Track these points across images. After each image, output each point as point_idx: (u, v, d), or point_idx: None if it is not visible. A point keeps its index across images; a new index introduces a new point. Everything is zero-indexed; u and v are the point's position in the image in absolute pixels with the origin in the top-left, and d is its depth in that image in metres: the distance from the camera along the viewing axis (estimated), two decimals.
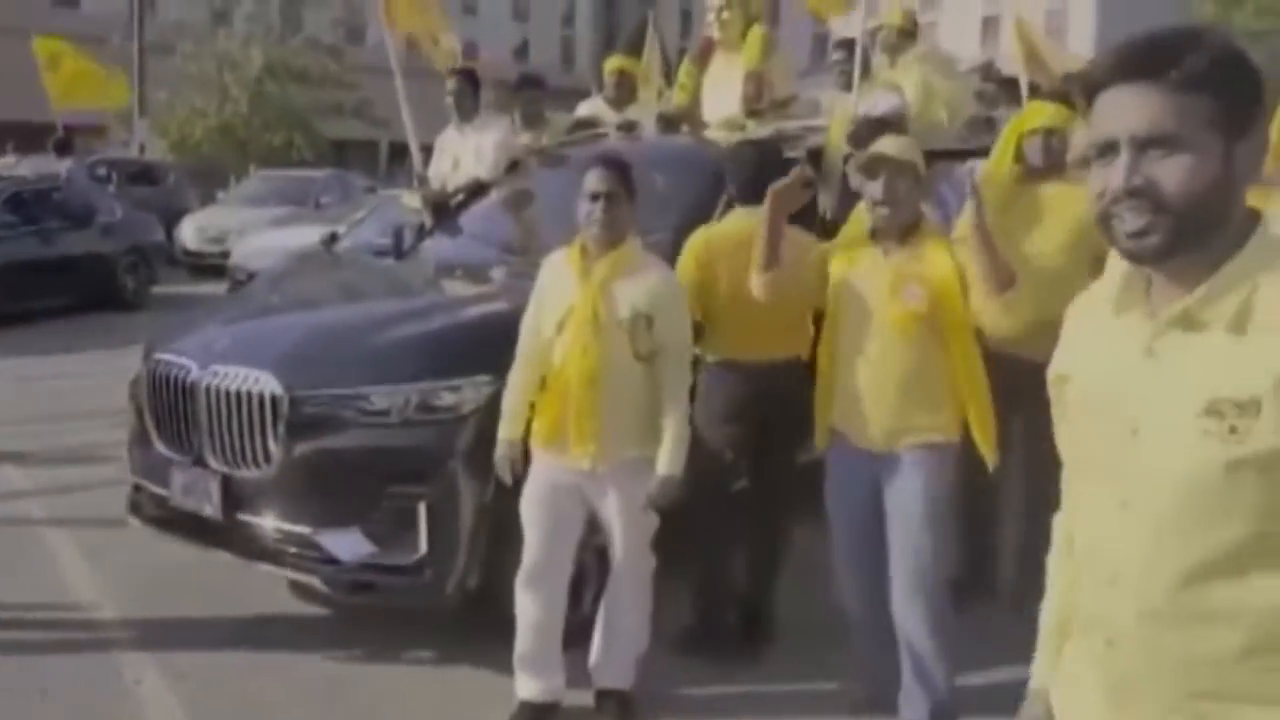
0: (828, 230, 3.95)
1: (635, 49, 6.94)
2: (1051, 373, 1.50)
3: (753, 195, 3.54)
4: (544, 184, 5.19)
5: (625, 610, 3.30)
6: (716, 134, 4.96)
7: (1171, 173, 1.23)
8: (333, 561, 3.53)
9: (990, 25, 54.59)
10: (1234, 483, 1.22)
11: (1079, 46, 39.41)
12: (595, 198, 3.07)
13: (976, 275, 2.93)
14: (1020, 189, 3.73)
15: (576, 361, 3.04)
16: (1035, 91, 4.90)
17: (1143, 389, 1.30)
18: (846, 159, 3.78)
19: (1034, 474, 3.85)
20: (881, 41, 5.26)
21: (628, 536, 3.19)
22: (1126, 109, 1.25)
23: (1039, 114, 3.76)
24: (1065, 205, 3.67)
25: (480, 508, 3.50)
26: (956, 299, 2.98)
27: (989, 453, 3.07)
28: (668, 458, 3.10)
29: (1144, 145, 1.24)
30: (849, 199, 3.91)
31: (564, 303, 3.11)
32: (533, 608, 3.23)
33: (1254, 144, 1.27)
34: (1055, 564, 1.60)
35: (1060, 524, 1.61)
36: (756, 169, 3.64)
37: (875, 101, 4.79)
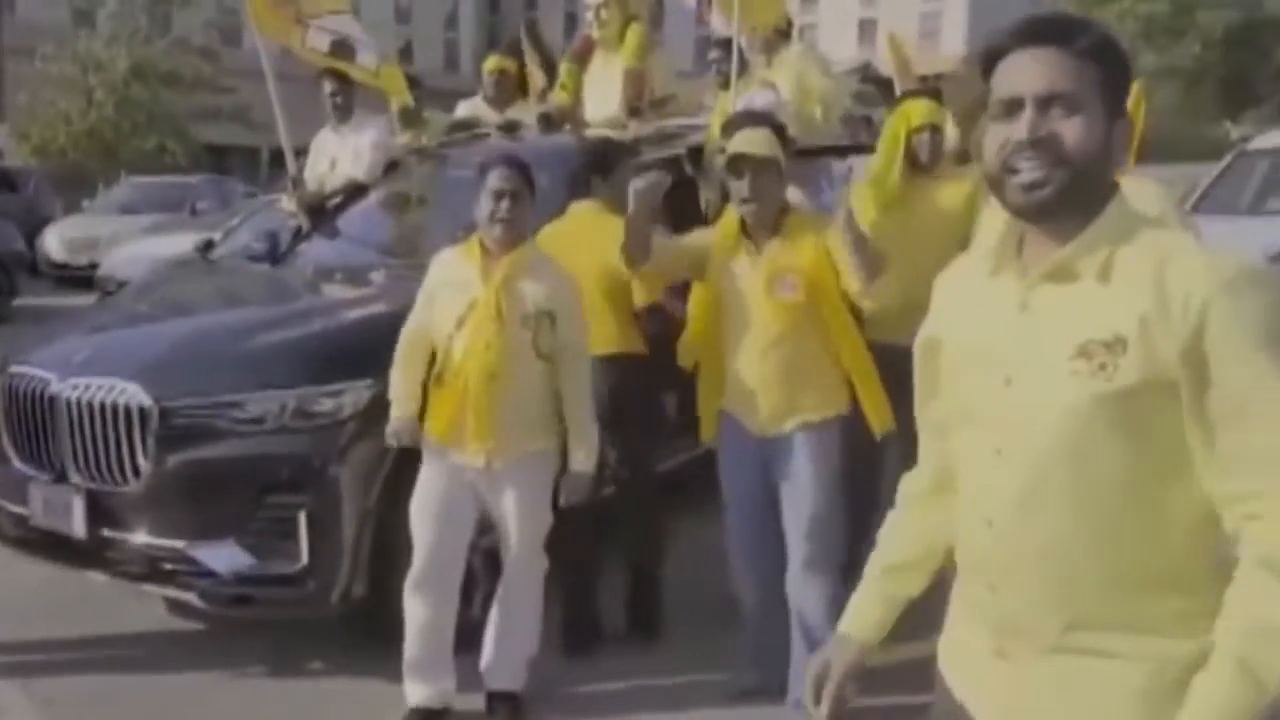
0: (711, 226, 3.99)
1: (516, 50, 6.90)
2: (920, 340, 1.58)
3: (586, 191, 3.67)
4: (424, 184, 5.13)
5: (518, 611, 3.28)
6: (596, 132, 4.95)
7: (1071, 129, 1.33)
8: (209, 575, 3.41)
9: (867, 27, 56.00)
10: (1102, 420, 1.30)
11: (951, 46, 40.78)
12: (500, 196, 3.07)
13: (849, 269, 3.01)
14: (911, 185, 3.84)
15: (478, 357, 3.04)
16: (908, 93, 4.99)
17: (1016, 340, 1.38)
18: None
19: (914, 459, 3.97)
20: (757, 40, 5.32)
21: (523, 534, 3.18)
22: (1031, 70, 1.34)
23: (922, 111, 3.86)
24: (946, 199, 3.82)
25: (364, 513, 3.43)
26: (831, 284, 3.08)
27: (880, 421, 3.15)
28: (581, 453, 3.15)
29: (1047, 102, 1.33)
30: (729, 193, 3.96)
31: (464, 299, 3.09)
32: (423, 611, 3.18)
33: (1126, 123, 1.38)
34: (891, 520, 1.71)
35: (905, 482, 1.71)
36: (591, 166, 3.71)
37: (752, 99, 4.85)
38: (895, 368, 3.38)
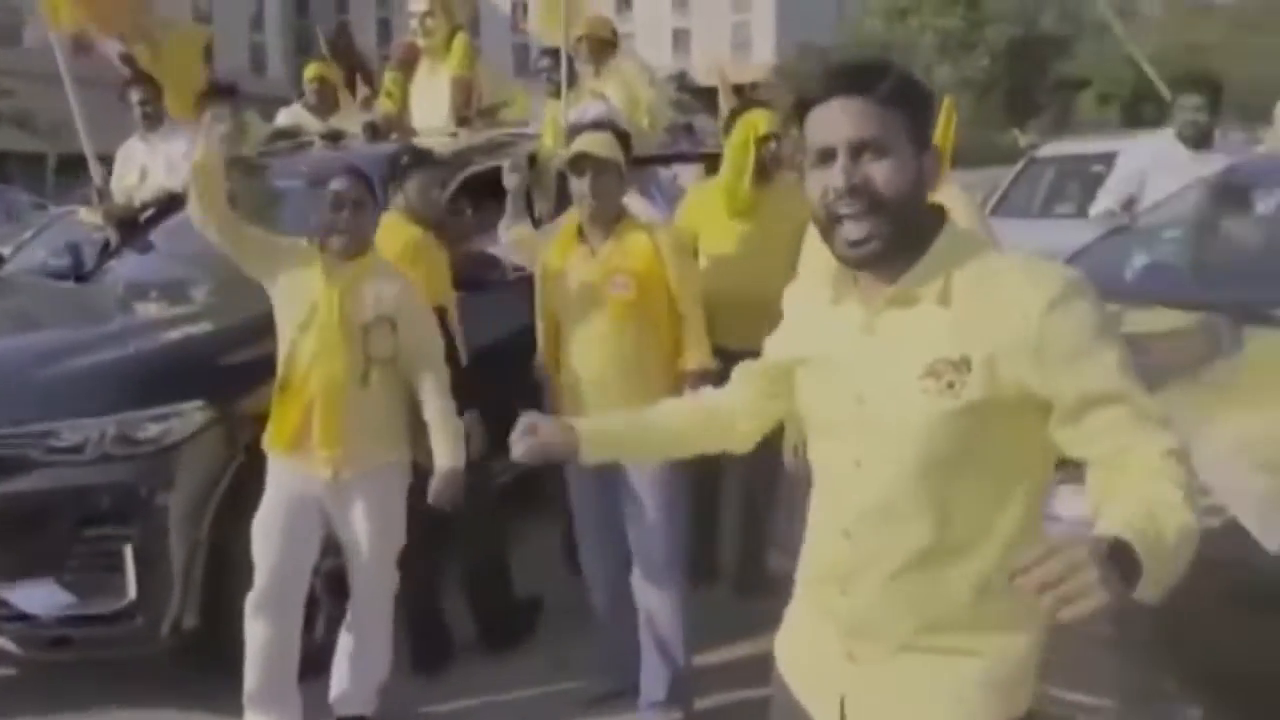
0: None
1: (336, 54, 6.74)
2: (784, 359, 1.66)
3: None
4: (247, 194, 4.93)
5: (370, 633, 3.20)
6: (427, 141, 4.88)
7: (882, 172, 1.42)
8: (24, 618, 3.19)
9: (681, 37, 57.22)
10: (952, 434, 1.40)
11: (761, 55, 42.10)
12: (340, 206, 3.05)
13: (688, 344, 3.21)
14: (758, 193, 3.92)
15: (323, 364, 2.98)
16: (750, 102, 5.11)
17: (864, 361, 1.47)
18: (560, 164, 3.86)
19: (751, 459, 4.09)
20: (585, 51, 5.38)
21: (374, 551, 3.10)
22: (840, 120, 1.43)
23: (765, 122, 3.95)
24: (799, 203, 3.89)
25: (195, 543, 3.27)
26: (663, 285, 3.16)
27: None
28: (448, 451, 3.08)
29: (858, 149, 1.42)
30: (564, 203, 3.99)
31: (305, 305, 3.03)
32: (265, 635, 3.06)
33: (933, 155, 1.48)
34: (677, 404, 1.88)
35: (714, 397, 1.83)
36: (389, 174, 3.68)
37: (584, 109, 4.90)
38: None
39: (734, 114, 4.11)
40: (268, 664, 3.08)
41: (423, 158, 3.71)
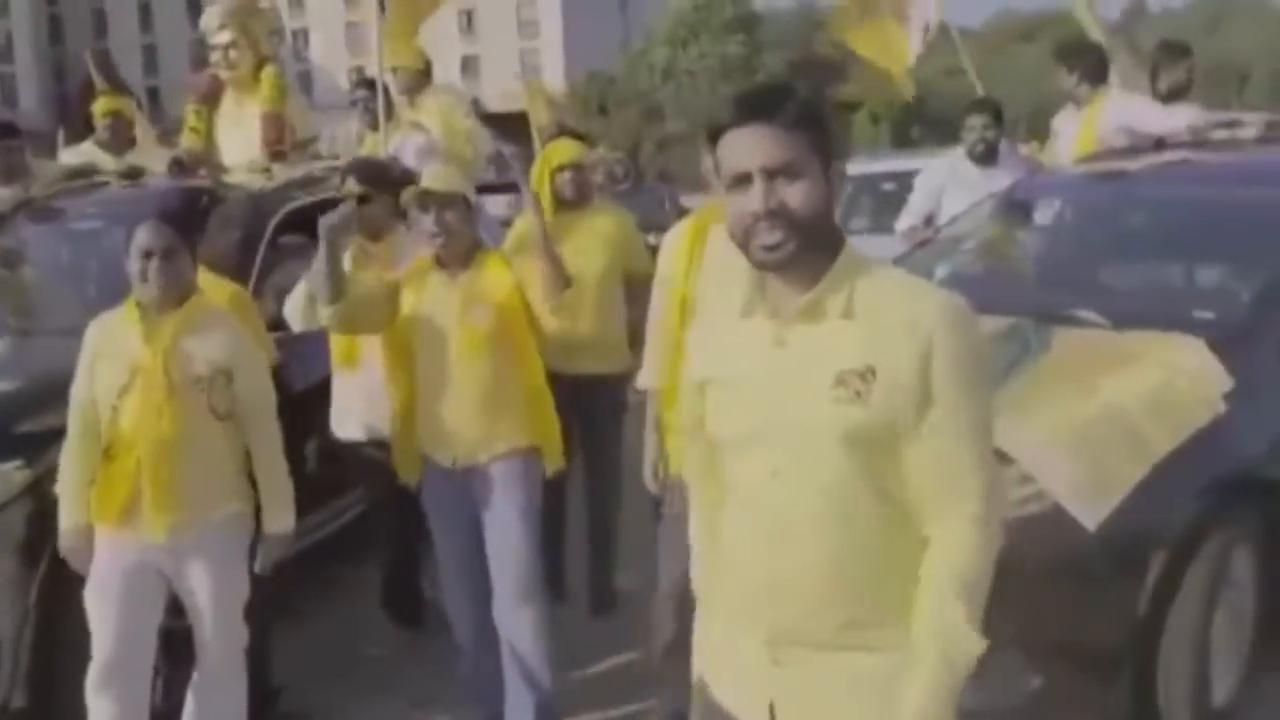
0: None
1: (114, 87, 6.39)
2: (691, 382, 1.72)
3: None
4: (37, 241, 4.61)
5: (220, 692, 3.04)
6: (239, 178, 4.72)
7: (796, 194, 1.51)
8: None
9: (470, 63, 57.02)
10: (862, 440, 1.50)
11: (551, 79, 42.66)
12: (149, 255, 2.85)
13: (538, 281, 3.13)
14: (558, 221, 3.96)
15: (151, 426, 2.81)
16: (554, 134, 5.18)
17: (777, 373, 1.55)
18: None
19: (596, 483, 4.16)
20: (399, 82, 5.34)
21: (219, 608, 2.94)
22: (752, 147, 1.51)
23: (563, 151, 4.04)
24: (599, 233, 4.01)
25: (22, 614, 3.03)
26: (520, 315, 3.18)
27: (550, 456, 3.25)
28: (276, 514, 2.98)
29: (773, 174, 1.51)
30: None
31: (124, 366, 2.85)
32: (111, 710, 2.88)
33: (838, 169, 1.58)
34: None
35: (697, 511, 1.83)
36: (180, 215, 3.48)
37: (405, 143, 4.86)
38: (576, 401, 3.55)
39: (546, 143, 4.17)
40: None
41: (213, 196, 3.57)
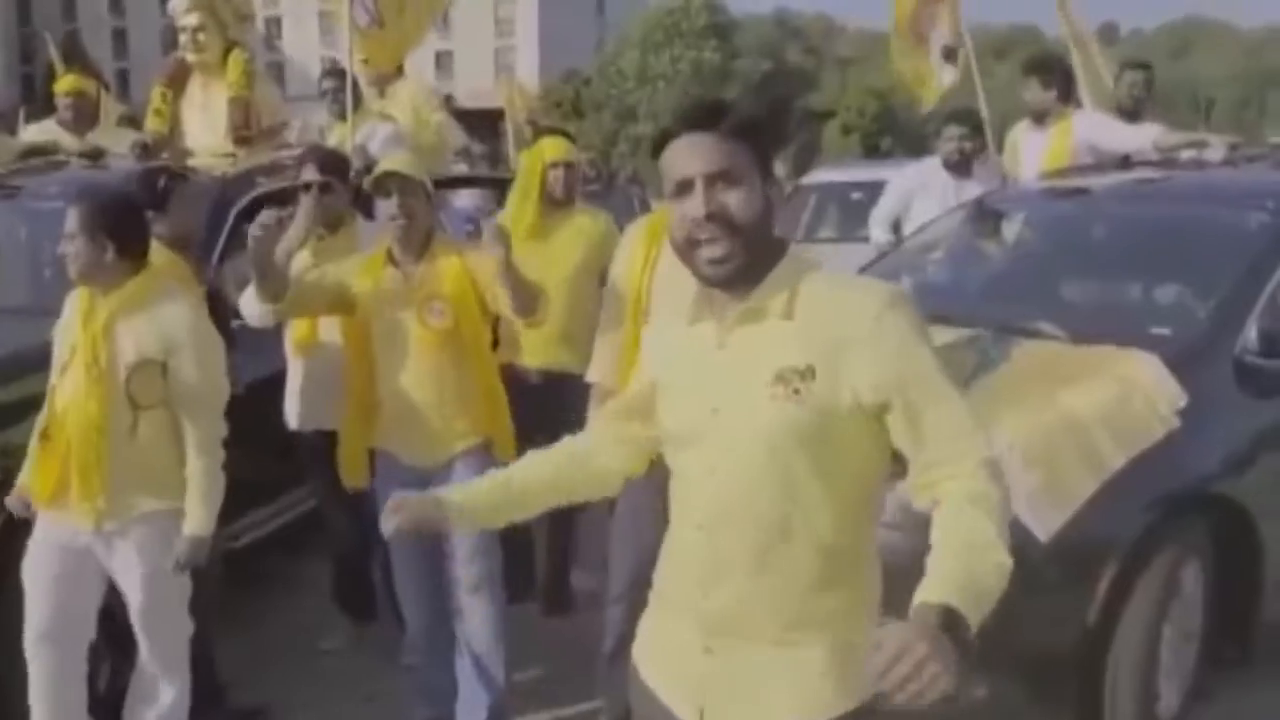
0: None
1: (81, 67, 6.31)
2: (644, 380, 1.76)
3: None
4: None
5: (159, 685, 2.98)
6: (203, 162, 4.66)
7: (735, 199, 1.55)
8: None
9: (444, 60, 56.76)
10: (799, 438, 1.52)
11: (526, 78, 42.57)
12: (71, 238, 2.81)
13: (507, 306, 3.08)
14: (548, 218, 3.95)
15: (79, 410, 2.75)
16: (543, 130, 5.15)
17: (718, 374, 1.58)
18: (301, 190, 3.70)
19: None
20: (370, 73, 5.30)
21: (152, 600, 2.89)
22: (693, 154, 1.56)
23: (557, 148, 3.99)
24: (583, 233, 3.98)
25: None
26: (475, 311, 3.14)
27: (506, 449, 3.19)
28: (196, 516, 2.85)
29: (712, 179, 1.54)
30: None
31: (68, 343, 2.81)
32: (51, 664, 2.86)
33: (778, 184, 1.62)
34: (535, 454, 1.87)
35: (574, 440, 1.89)
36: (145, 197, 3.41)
37: (373, 131, 4.82)
38: (536, 395, 3.52)
39: (535, 138, 4.14)
40: (56, 695, 2.88)
41: (181, 180, 3.48)
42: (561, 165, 3.96)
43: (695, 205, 1.54)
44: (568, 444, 1.89)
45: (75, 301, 2.88)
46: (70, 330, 2.83)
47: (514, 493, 1.84)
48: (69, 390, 2.78)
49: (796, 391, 1.51)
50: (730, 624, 1.59)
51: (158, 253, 3.33)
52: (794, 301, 1.56)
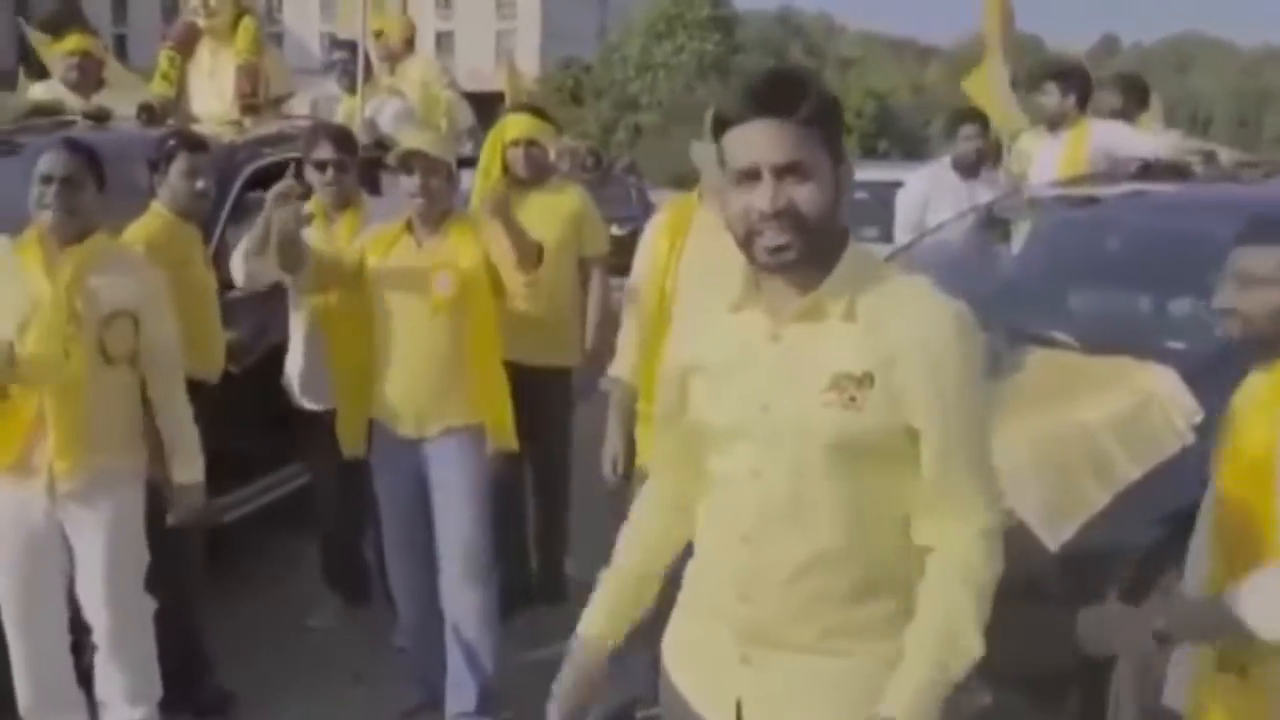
0: None
1: (79, 25, 6.20)
2: (674, 367, 1.66)
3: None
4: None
5: (120, 663, 2.89)
6: (209, 129, 4.59)
7: (806, 196, 1.45)
8: None
9: (444, 40, 56.47)
10: (851, 447, 1.45)
11: (525, 64, 42.37)
12: (49, 180, 2.74)
13: (506, 256, 3.08)
14: (522, 196, 3.77)
15: (55, 365, 2.69)
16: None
17: (771, 370, 1.50)
18: (315, 168, 3.63)
19: (543, 479, 4.05)
20: (382, 48, 5.24)
21: (113, 570, 2.81)
22: (763, 142, 1.44)
23: (516, 126, 3.84)
24: (553, 211, 3.82)
25: None
26: (484, 285, 3.11)
27: (499, 437, 3.17)
28: (186, 464, 2.90)
29: (782, 172, 1.44)
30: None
31: (22, 299, 2.72)
32: (30, 641, 2.83)
33: (848, 167, 1.52)
34: (632, 531, 1.76)
35: (649, 493, 1.78)
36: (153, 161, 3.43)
37: (382, 106, 4.77)
38: (526, 391, 3.44)
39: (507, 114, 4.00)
40: (40, 670, 2.86)
41: (190, 144, 3.40)
42: (523, 144, 3.80)
43: (762, 199, 1.44)
44: (665, 498, 1.75)
45: (19, 254, 2.76)
46: (25, 286, 2.73)
47: (645, 581, 1.75)
48: (39, 347, 2.70)
49: (853, 399, 1.44)
50: (769, 633, 1.54)
51: (158, 218, 3.30)
52: (857, 303, 1.47)
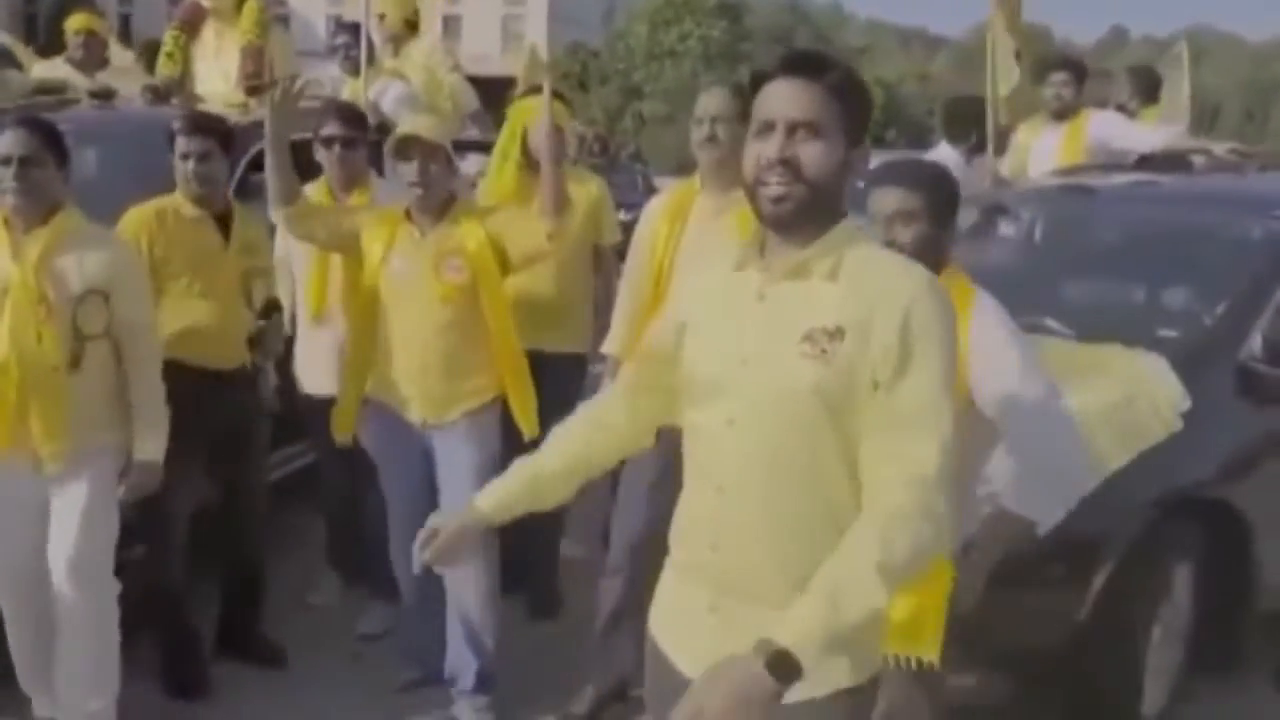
0: None
1: (87, 5, 6.22)
2: (671, 323, 1.75)
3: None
4: None
5: (85, 646, 2.85)
6: (213, 110, 4.61)
7: (811, 153, 1.54)
8: None
9: (451, 24, 56.28)
10: (821, 397, 1.52)
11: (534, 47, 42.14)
12: (7, 162, 2.72)
13: (516, 237, 3.10)
14: (526, 182, 3.77)
15: (29, 348, 2.70)
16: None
17: (753, 326, 1.59)
18: (323, 144, 3.65)
19: None
20: (385, 30, 5.25)
21: (81, 548, 2.78)
22: (785, 98, 1.56)
23: (538, 108, 3.76)
24: (574, 200, 3.85)
25: None
26: (493, 270, 3.12)
27: (528, 420, 3.20)
28: (145, 442, 2.86)
29: (794, 127, 1.54)
30: None
31: None
32: (20, 614, 2.87)
33: (864, 151, 1.62)
34: (563, 429, 1.86)
35: (588, 404, 1.92)
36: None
37: (386, 88, 4.79)
38: (539, 374, 3.47)
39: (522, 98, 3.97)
40: (36, 646, 2.89)
41: (194, 126, 3.32)
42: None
43: (770, 148, 1.54)
44: (590, 410, 1.89)
45: None
46: None
47: (545, 479, 1.82)
48: (8, 330, 2.70)
49: (824, 351, 1.52)
50: (738, 583, 1.60)
51: (154, 205, 3.29)
52: (840, 266, 1.56)
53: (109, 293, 2.78)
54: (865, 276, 1.55)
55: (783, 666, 1.38)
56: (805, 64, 1.57)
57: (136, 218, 3.21)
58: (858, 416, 1.53)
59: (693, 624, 1.66)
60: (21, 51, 5.68)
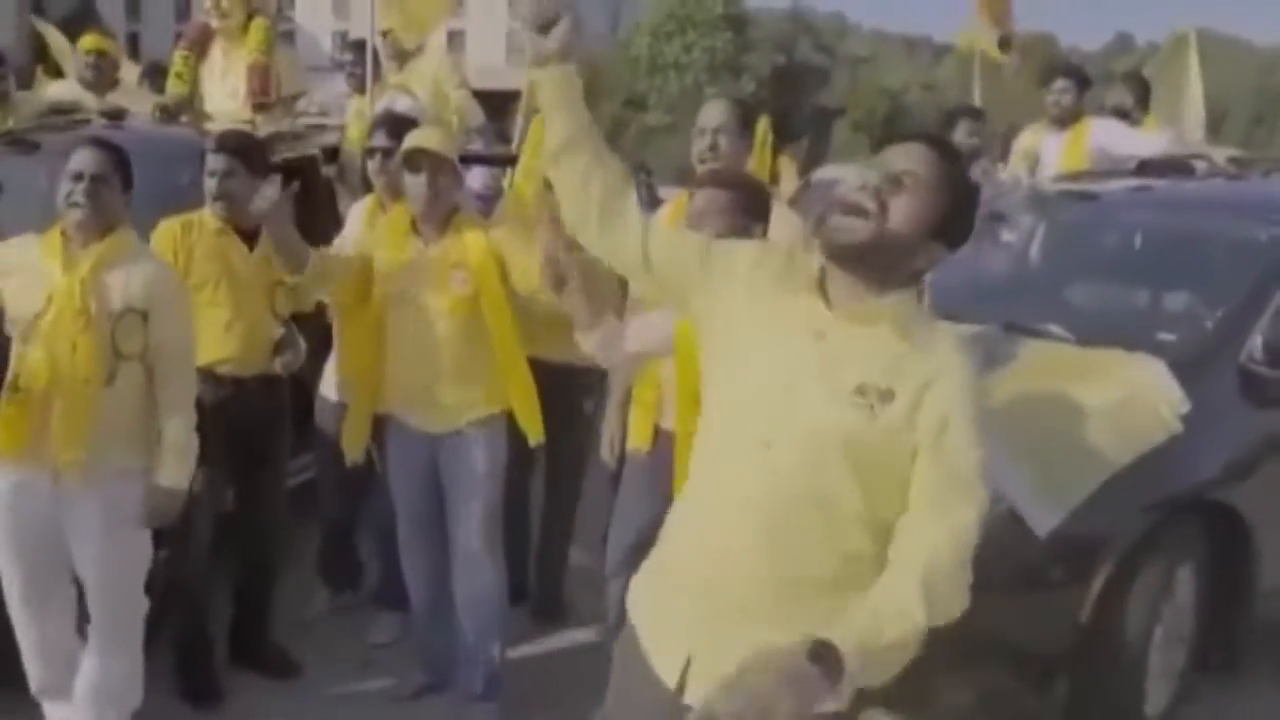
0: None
1: (95, 24, 6.31)
2: (700, 241, 1.80)
3: None
4: (13, 173, 4.54)
5: (109, 660, 2.91)
6: (221, 128, 4.67)
7: (900, 199, 1.57)
8: None
9: (455, 39, 56.57)
10: (857, 450, 1.56)
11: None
12: (79, 178, 2.79)
13: (518, 253, 3.10)
14: (549, 198, 3.87)
15: (66, 359, 2.74)
16: None
17: (805, 361, 1.61)
18: (366, 156, 3.76)
19: (564, 466, 4.10)
20: (390, 46, 5.31)
21: (109, 566, 2.84)
22: (906, 154, 1.62)
23: None
24: None
25: None
26: (497, 282, 3.15)
27: (533, 428, 3.24)
28: (169, 468, 2.86)
29: (897, 178, 1.58)
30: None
31: (43, 291, 2.77)
32: (38, 623, 2.89)
33: (948, 251, 1.64)
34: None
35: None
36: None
37: (392, 102, 4.84)
38: (544, 386, 3.51)
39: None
40: (47, 653, 2.92)
41: (220, 144, 3.36)
42: None
43: (871, 177, 1.57)
44: (632, 199, 1.80)
45: (44, 248, 2.82)
46: (45, 281, 2.77)
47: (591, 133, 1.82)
48: (49, 339, 2.75)
49: (871, 408, 1.56)
50: (738, 602, 1.62)
51: (179, 221, 3.35)
52: (911, 330, 1.60)
53: (148, 312, 2.80)
54: (934, 342, 1.61)
55: (824, 656, 1.40)
56: (943, 142, 1.67)
57: (164, 231, 3.29)
58: (883, 477, 1.58)
59: (683, 628, 1.69)
60: (53, 36, 5.74)
